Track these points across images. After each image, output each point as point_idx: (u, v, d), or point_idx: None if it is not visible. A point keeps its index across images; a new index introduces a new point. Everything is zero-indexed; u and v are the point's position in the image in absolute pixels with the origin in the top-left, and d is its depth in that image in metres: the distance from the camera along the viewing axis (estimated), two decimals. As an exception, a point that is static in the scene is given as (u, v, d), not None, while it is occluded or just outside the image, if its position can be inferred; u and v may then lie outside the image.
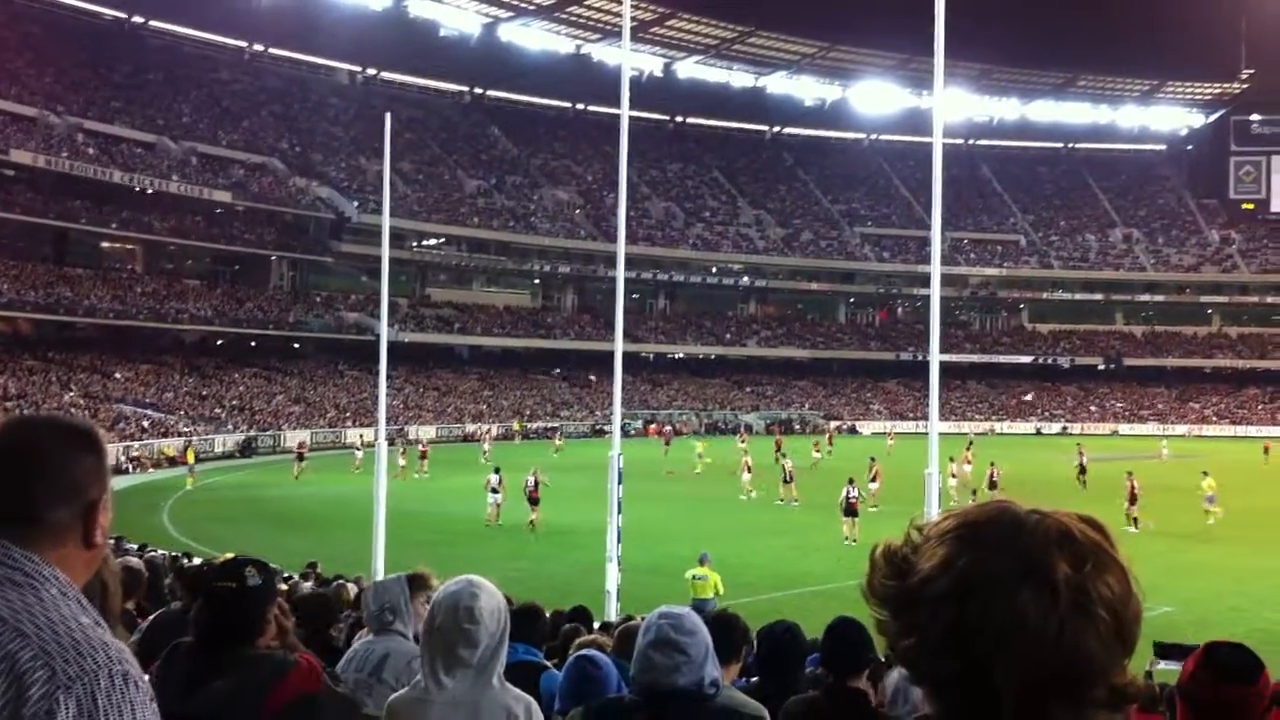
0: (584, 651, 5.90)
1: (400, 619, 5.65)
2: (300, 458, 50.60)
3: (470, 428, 73.74)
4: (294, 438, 64.79)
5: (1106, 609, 1.32)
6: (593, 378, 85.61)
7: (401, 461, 50.36)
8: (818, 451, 56.07)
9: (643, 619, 3.89)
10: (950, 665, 1.33)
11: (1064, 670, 1.30)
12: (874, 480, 38.56)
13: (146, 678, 1.86)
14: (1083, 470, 47.19)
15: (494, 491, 35.56)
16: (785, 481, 41.58)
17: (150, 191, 73.97)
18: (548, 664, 6.93)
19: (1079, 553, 1.33)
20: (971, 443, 52.90)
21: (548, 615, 8.67)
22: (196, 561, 15.87)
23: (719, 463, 51.55)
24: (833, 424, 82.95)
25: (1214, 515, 35.29)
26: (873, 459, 41.14)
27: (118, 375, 65.41)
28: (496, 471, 36.44)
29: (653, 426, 78.03)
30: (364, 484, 28.15)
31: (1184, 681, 3.29)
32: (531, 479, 34.93)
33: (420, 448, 55.32)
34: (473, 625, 3.61)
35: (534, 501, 34.41)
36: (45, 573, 1.89)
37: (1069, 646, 1.30)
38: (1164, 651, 8.47)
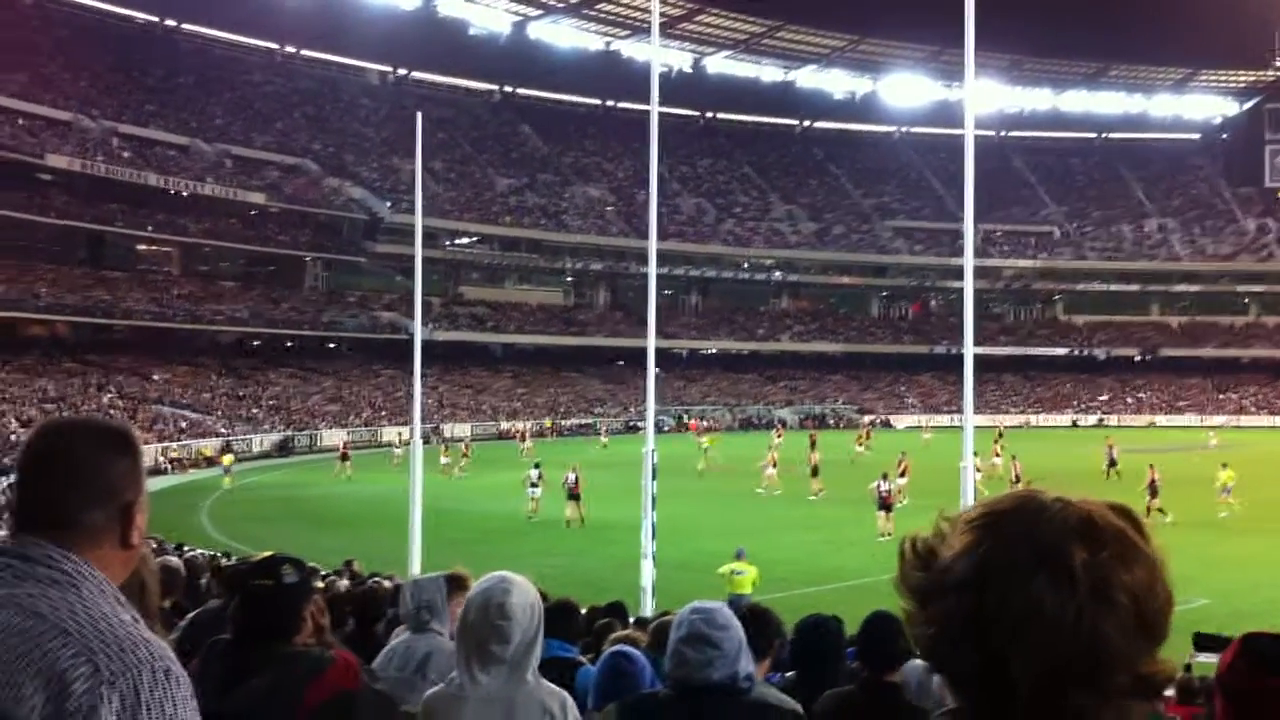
0: (618, 647, 5.90)
1: (437, 618, 5.65)
2: (344, 457, 50.24)
3: (505, 425, 73.84)
4: (331, 437, 65.14)
5: (1128, 596, 1.30)
6: (626, 374, 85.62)
7: (444, 459, 50.38)
8: (860, 445, 55.61)
9: (677, 614, 3.90)
10: (970, 657, 1.33)
11: (1082, 658, 1.29)
12: (903, 475, 38.22)
13: (187, 674, 1.88)
14: (1113, 463, 46.31)
15: (534, 486, 36.19)
16: (813, 475, 41.48)
17: (185, 194, 74.55)
18: (583, 660, 6.93)
19: (1099, 539, 1.32)
20: (1001, 434, 52.51)
21: (583, 611, 8.66)
22: (234, 560, 15.97)
23: (726, 458, 51.38)
24: (867, 419, 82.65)
25: (1229, 508, 34.76)
26: (903, 453, 40.90)
27: (155, 377, 65.89)
28: (536, 467, 37.14)
29: (693, 422, 78.00)
30: (401, 482, 28.22)
31: (1222, 673, 3.27)
32: (572, 475, 34.93)
33: (463, 446, 55.53)
34: (505, 621, 3.62)
35: (575, 497, 34.51)
36: (84, 571, 1.92)
37: (1086, 634, 1.28)
38: (1203, 643, 8.36)
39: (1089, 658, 1.29)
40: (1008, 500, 1.40)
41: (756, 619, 4.82)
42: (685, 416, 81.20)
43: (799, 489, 41.35)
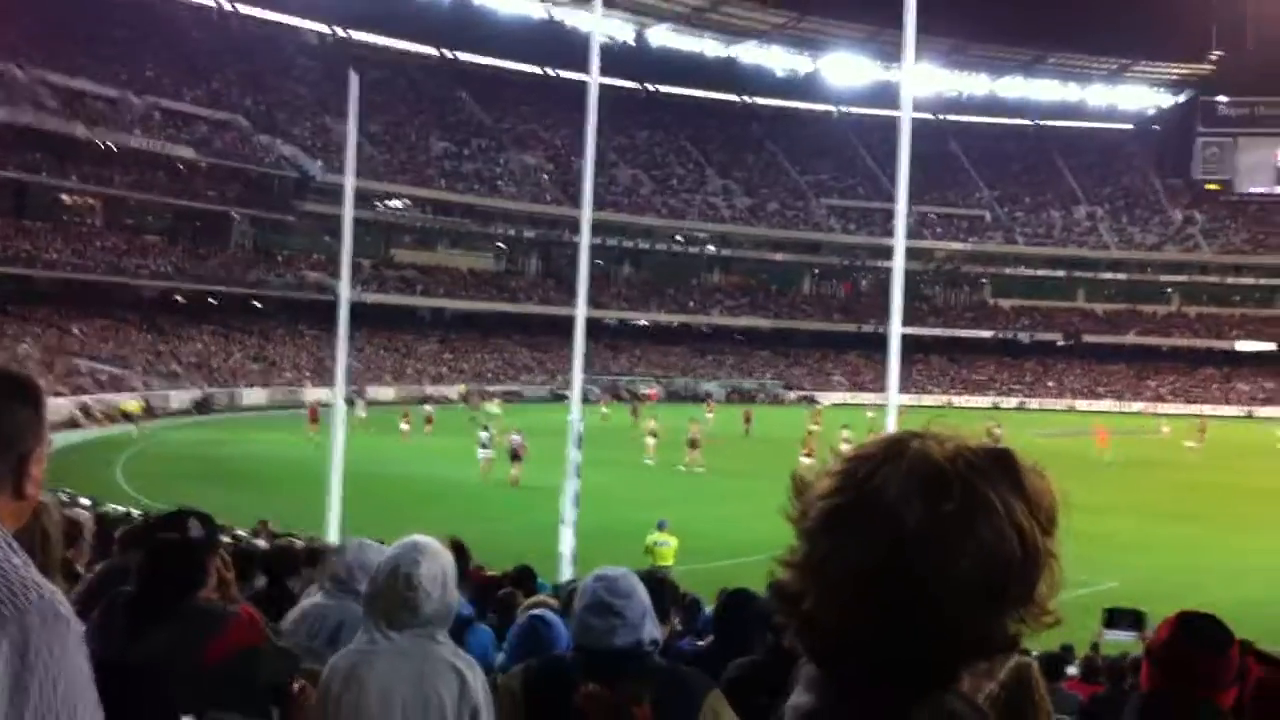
0: (536, 610, 5.90)
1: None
2: (314, 418, 47.31)
3: (429, 390, 73.45)
4: (250, 396, 64.52)
5: (967, 558, 1.22)
6: (554, 342, 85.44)
7: (405, 425, 49.56)
8: (814, 424, 55.37)
9: (581, 582, 3.89)
10: (802, 605, 1.30)
11: (912, 619, 1.23)
12: (808, 455, 38.05)
13: (78, 619, 1.83)
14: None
15: (483, 448, 38.13)
16: (691, 447, 41.63)
17: (113, 146, 73.20)
18: (474, 619, 6.89)
19: (945, 493, 1.24)
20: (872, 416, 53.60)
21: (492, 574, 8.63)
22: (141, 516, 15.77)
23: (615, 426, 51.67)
24: (820, 401, 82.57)
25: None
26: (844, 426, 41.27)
27: (75, 330, 64.83)
28: (485, 429, 39.14)
29: (651, 391, 79.54)
30: (362, 443, 27.95)
31: (1156, 647, 3.34)
32: (516, 437, 37.18)
33: (426, 410, 55.09)
34: (412, 593, 3.58)
35: (516, 458, 36.61)
36: None
37: (907, 596, 1.22)
38: (1112, 620, 8.54)
39: (919, 618, 1.23)
40: (876, 446, 1.32)
41: (653, 588, 4.82)
42: (640, 386, 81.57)
43: (725, 462, 41.59)
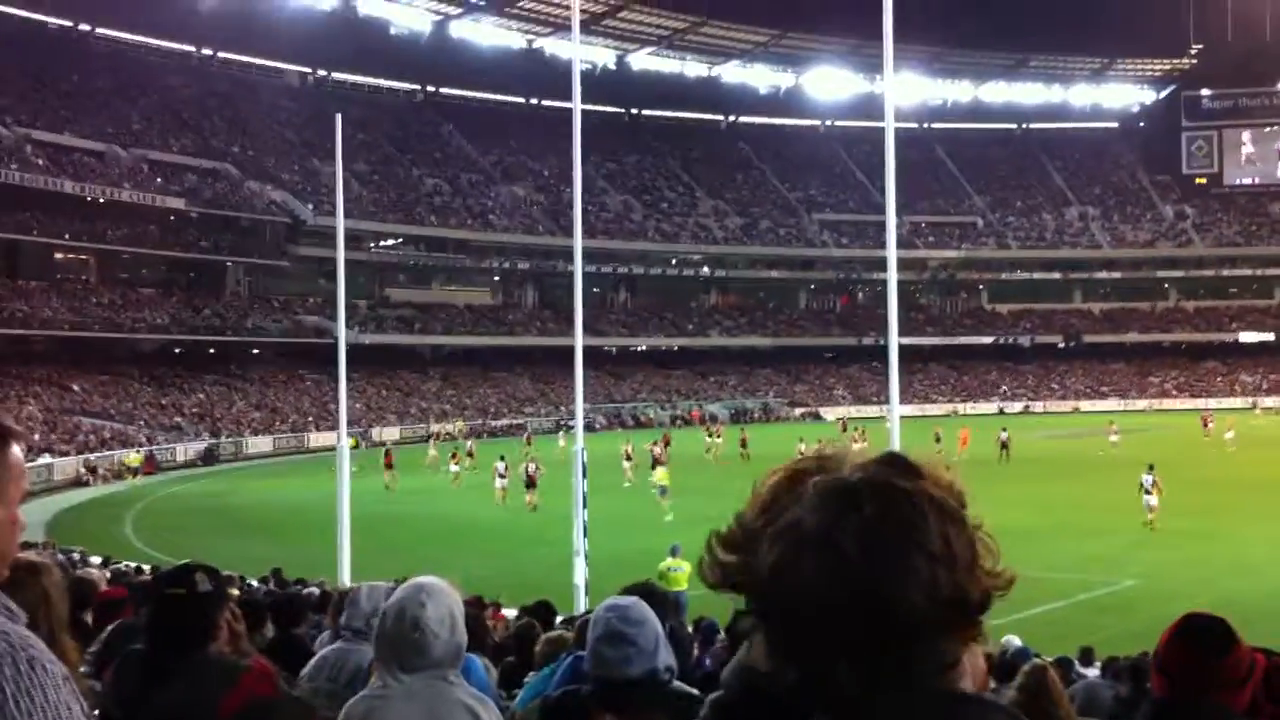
0: (581, 652, 5.85)
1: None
2: (389, 465, 46.26)
3: (435, 427, 73.33)
4: (256, 444, 64.28)
5: (912, 545, 1.29)
6: (556, 373, 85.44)
7: (454, 467, 47.81)
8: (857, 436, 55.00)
9: (594, 612, 3.86)
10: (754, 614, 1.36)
11: (888, 632, 1.28)
12: None
13: (56, 661, 1.78)
14: (1004, 446, 49.16)
15: (501, 477, 39.57)
16: (654, 467, 40.19)
17: (102, 201, 73.26)
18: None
19: (856, 502, 1.31)
20: (855, 426, 53.63)
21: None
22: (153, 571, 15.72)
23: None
24: (842, 412, 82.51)
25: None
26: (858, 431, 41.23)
27: (75, 388, 64.76)
28: (502, 459, 40.26)
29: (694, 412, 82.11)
30: (356, 486, 27.76)
31: (1161, 654, 3.30)
32: (531, 465, 39.04)
33: (469, 444, 55.34)
34: (419, 635, 3.54)
35: (532, 484, 38.15)
36: None
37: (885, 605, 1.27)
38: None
39: (890, 633, 1.28)
40: (771, 490, 1.40)
41: (642, 594, 4.77)
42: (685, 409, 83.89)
43: (730, 483, 41.36)
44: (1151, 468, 32.14)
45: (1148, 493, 31.55)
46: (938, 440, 50.62)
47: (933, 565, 1.28)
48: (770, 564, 1.32)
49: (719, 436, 57.64)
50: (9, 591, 1.89)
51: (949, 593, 1.28)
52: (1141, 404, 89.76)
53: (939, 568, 1.28)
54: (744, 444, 52.61)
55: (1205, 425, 60.89)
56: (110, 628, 6.55)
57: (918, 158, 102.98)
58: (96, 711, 3.79)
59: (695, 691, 3.64)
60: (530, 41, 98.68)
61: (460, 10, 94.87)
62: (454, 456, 48.80)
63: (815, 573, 1.28)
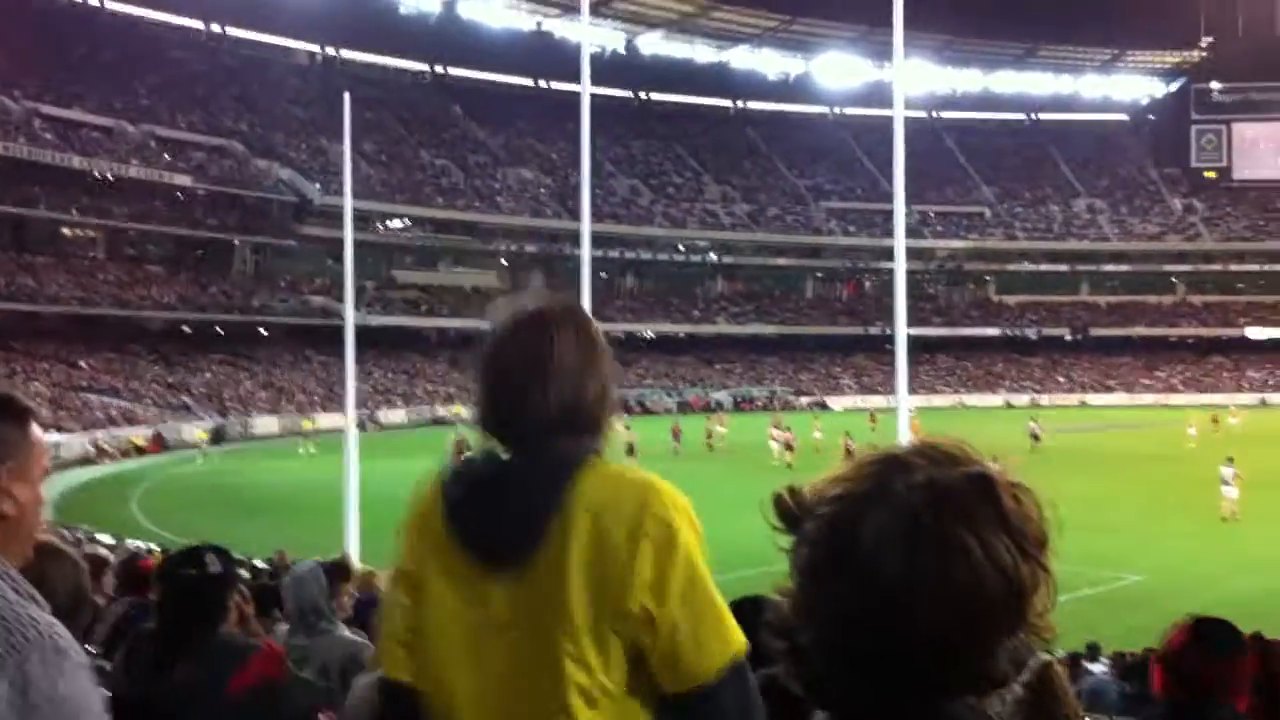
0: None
1: (324, 617, 5.43)
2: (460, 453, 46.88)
3: (440, 411, 73.36)
4: (263, 424, 64.31)
5: (943, 602, 1.24)
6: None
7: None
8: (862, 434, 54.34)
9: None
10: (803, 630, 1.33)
11: (896, 663, 1.26)
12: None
13: (80, 648, 1.77)
14: (1035, 438, 49.19)
15: None
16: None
17: (110, 176, 73.29)
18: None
19: (917, 543, 1.25)
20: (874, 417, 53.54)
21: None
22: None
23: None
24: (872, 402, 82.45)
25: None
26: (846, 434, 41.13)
27: (83, 365, 64.83)
28: None
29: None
30: (370, 466, 27.65)
31: (1170, 654, 3.29)
32: None
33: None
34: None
35: None
36: None
37: (897, 638, 1.26)
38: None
39: (896, 663, 1.27)
40: (865, 481, 1.33)
41: None
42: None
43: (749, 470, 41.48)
44: (1231, 460, 31.51)
45: (1227, 484, 30.88)
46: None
47: (960, 634, 1.27)
48: (812, 559, 1.32)
49: (723, 425, 57.48)
50: (35, 575, 1.87)
51: (968, 663, 1.27)
52: (1148, 398, 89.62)
53: (967, 638, 1.27)
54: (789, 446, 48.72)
55: (1214, 421, 60.82)
56: (119, 610, 6.56)
57: (926, 147, 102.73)
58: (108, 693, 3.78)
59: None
60: (539, 23, 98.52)
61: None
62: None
63: (852, 588, 1.27)
